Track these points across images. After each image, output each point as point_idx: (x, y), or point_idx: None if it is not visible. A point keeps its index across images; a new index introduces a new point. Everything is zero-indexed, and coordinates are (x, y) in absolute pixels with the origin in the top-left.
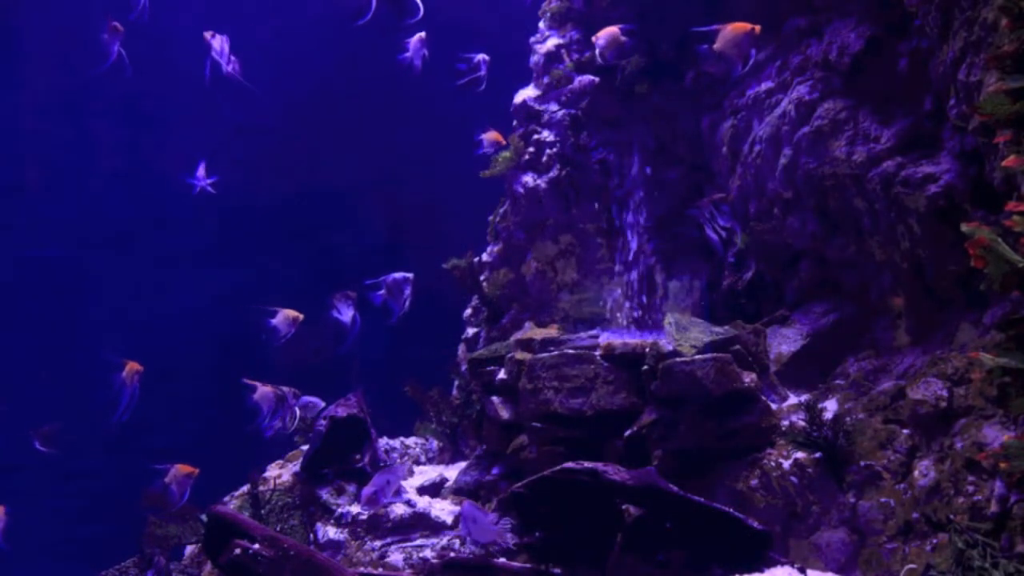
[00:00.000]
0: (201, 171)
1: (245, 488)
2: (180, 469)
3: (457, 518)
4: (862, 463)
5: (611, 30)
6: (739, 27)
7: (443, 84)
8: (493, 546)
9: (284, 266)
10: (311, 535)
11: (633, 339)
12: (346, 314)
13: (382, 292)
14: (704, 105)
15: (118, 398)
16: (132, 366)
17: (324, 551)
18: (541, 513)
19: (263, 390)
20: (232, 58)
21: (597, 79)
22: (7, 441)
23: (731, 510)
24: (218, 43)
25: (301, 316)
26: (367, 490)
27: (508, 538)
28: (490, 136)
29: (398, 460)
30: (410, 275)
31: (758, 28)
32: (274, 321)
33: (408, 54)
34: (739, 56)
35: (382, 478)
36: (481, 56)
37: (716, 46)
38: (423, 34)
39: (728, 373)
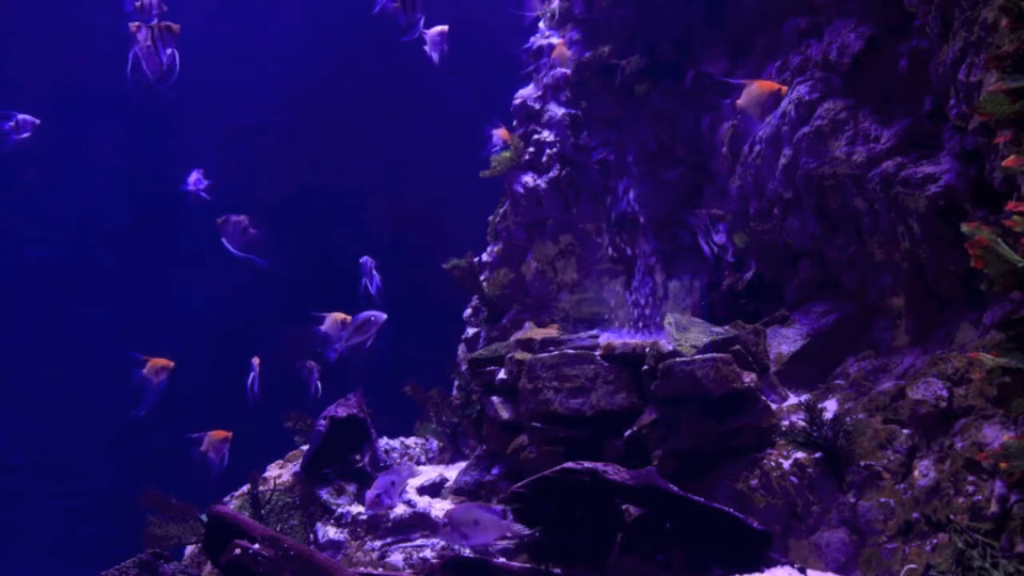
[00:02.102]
0: (193, 177)
1: (245, 488)
2: (214, 435)
3: None
4: (862, 463)
5: (559, 48)
6: (764, 86)
7: (443, 84)
8: (493, 545)
9: (284, 266)
10: (311, 535)
11: (633, 339)
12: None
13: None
14: (704, 105)
15: (140, 394)
16: (156, 362)
17: (324, 551)
18: (541, 513)
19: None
20: (169, 51)
21: (568, 71)
22: (7, 441)
23: (731, 510)
24: (144, 36)
25: (349, 318)
26: (370, 492)
27: (516, 528)
28: (500, 132)
29: (398, 460)
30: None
31: (784, 88)
32: (324, 328)
33: (426, 47)
34: (760, 116)
35: (386, 479)
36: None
37: (739, 102)
38: (445, 28)
39: (728, 373)
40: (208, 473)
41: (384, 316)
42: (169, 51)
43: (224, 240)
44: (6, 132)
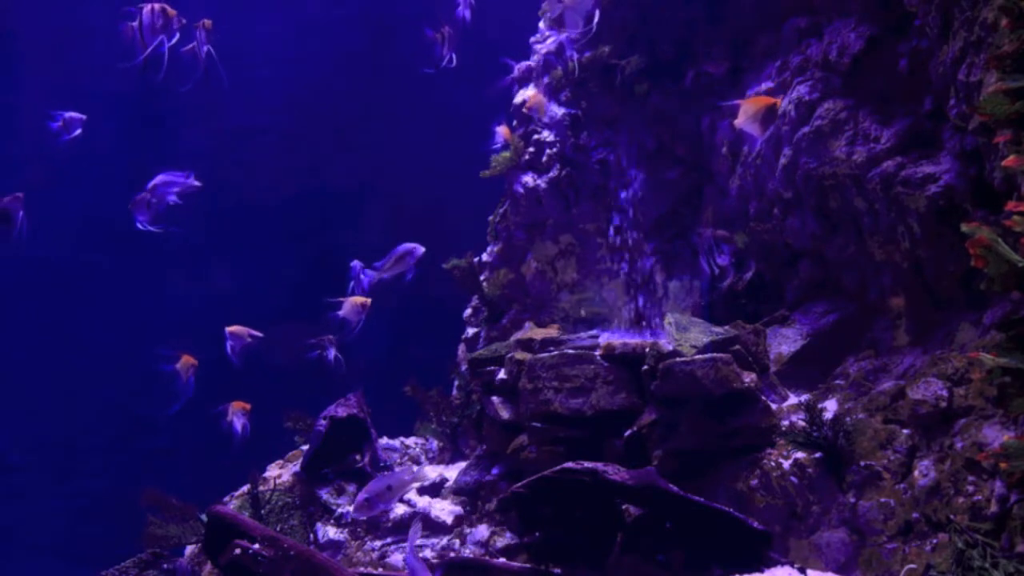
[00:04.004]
0: (159, 179)
1: (245, 488)
2: (236, 405)
3: (458, 519)
4: (862, 463)
5: (536, 98)
6: (759, 102)
7: (443, 84)
8: (493, 544)
9: (284, 266)
10: (311, 535)
11: (633, 339)
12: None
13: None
14: (704, 105)
15: (171, 388)
16: (187, 359)
17: (324, 551)
18: (541, 513)
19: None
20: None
21: (534, 63)
22: (8, 441)
23: (731, 510)
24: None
25: (368, 301)
26: (360, 496)
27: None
28: (502, 130)
29: (398, 460)
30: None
31: (779, 101)
32: (342, 313)
33: (460, 8)
34: (760, 131)
35: (381, 483)
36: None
37: (737, 122)
38: None
39: (728, 373)
40: (232, 439)
41: (423, 249)
42: (206, 48)
43: (138, 219)
44: (56, 132)
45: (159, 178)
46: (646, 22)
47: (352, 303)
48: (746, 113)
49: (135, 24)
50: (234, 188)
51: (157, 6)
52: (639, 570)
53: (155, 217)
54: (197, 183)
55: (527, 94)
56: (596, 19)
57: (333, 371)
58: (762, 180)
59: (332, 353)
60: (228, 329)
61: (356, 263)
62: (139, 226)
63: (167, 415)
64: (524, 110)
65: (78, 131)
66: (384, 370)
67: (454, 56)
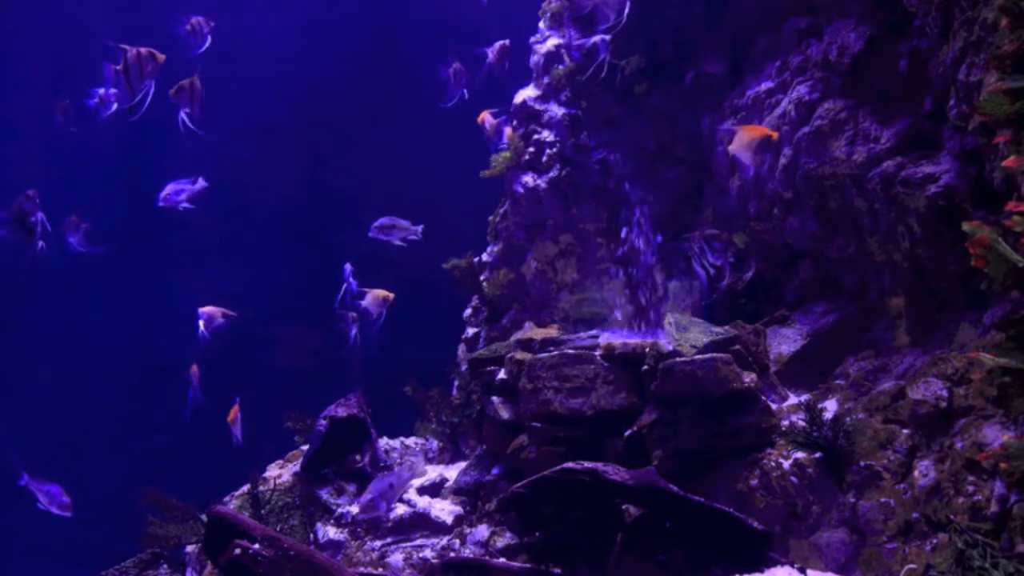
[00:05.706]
0: (169, 190)
1: (245, 488)
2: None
3: (458, 519)
4: (862, 463)
5: (488, 118)
6: (755, 132)
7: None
8: (493, 545)
9: (284, 266)
10: (311, 535)
11: (633, 339)
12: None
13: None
14: (704, 105)
15: (192, 392)
16: (195, 368)
17: (324, 551)
18: (541, 513)
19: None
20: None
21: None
22: (7, 441)
23: (731, 510)
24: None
25: (392, 296)
26: (364, 497)
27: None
28: (507, 130)
29: (398, 460)
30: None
31: (775, 134)
32: (364, 303)
33: None
34: (753, 161)
35: (383, 482)
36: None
37: (731, 148)
38: None
39: (728, 373)
40: (235, 439)
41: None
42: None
43: (69, 240)
44: (93, 110)
45: (169, 187)
46: (646, 22)
47: (375, 295)
48: (741, 141)
49: (119, 68)
50: (234, 188)
51: (144, 51)
52: (639, 570)
53: (88, 236)
54: (205, 184)
55: (526, 93)
56: (627, 11)
57: (349, 350)
58: (762, 180)
59: (353, 331)
60: (201, 309)
61: (348, 266)
62: (73, 248)
63: (184, 417)
64: (478, 120)
65: (115, 106)
66: (384, 370)
67: (466, 92)
